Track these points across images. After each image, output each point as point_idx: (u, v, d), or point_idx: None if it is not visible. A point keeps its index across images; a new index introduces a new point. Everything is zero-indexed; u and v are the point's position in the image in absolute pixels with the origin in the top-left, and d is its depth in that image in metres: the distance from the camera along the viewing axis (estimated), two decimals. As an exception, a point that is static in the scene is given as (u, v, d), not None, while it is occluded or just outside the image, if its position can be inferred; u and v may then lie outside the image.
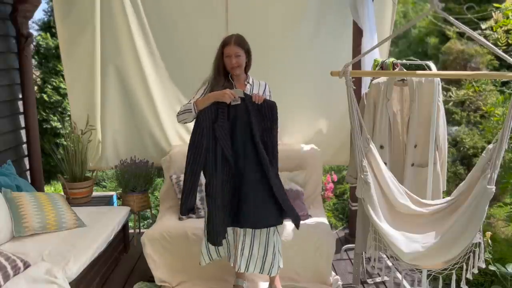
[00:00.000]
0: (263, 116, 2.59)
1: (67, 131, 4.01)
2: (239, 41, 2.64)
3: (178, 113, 2.66)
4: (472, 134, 6.01)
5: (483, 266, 2.37)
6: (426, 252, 2.28)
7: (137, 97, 3.94)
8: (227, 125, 2.56)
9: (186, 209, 2.60)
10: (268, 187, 2.59)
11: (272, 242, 2.71)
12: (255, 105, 2.58)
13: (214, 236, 2.58)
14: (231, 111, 2.58)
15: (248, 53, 2.69)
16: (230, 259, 2.80)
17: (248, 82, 2.75)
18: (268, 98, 2.77)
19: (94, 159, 4.05)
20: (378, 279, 3.26)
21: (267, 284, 3.01)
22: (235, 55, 2.62)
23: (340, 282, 3.13)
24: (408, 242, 2.33)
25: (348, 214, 4.28)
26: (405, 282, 3.03)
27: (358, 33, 3.54)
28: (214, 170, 2.56)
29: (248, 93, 2.68)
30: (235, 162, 2.58)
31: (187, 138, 3.98)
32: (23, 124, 3.86)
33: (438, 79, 2.75)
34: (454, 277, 2.42)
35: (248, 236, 2.69)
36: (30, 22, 3.80)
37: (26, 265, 2.42)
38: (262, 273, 2.75)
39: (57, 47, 4.01)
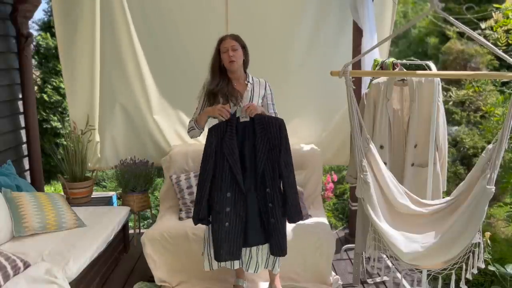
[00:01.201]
0: (270, 135, 2.54)
1: (67, 131, 4.00)
2: (235, 36, 2.68)
3: (188, 131, 2.76)
4: (472, 134, 6.01)
5: (483, 266, 2.37)
6: (425, 252, 2.28)
7: (137, 97, 3.94)
8: (235, 141, 2.52)
9: (198, 219, 2.61)
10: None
11: None
12: (262, 123, 2.53)
13: (217, 253, 2.59)
14: (239, 127, 2.54)
15: (244, 49, 2.69)
16: (233, 265, 2.75)
17: (249, 82, 2.74)
18: (269, 96, 2.77)
19: (94, 159, 4.05)
20: (378, 279, 3.26)
21: (267, 284, 3.02)
22: (232, 48, 2.62)
23: (340, 282, 3.13)
24: (407, 242, 2.33)
25: (348, 214, 4.28)
26: (405, 282, 3.03)
27: (358, 33, 3.54)
28: (221, 187, 2.53)
29: (250, 92, 2.68)
30: (244, 179, 2.55)
31: (187, 138, 4.01)
32: (23, 124, 3.86)
33: (438, 79, 2.75)
34: (453, 277, 2.42)
35: None
36: (30, 22, 3.80)
37: (26, 265, 2.42)
38: (267, 268, 2.79)
39: (57, 47, 4.00)
